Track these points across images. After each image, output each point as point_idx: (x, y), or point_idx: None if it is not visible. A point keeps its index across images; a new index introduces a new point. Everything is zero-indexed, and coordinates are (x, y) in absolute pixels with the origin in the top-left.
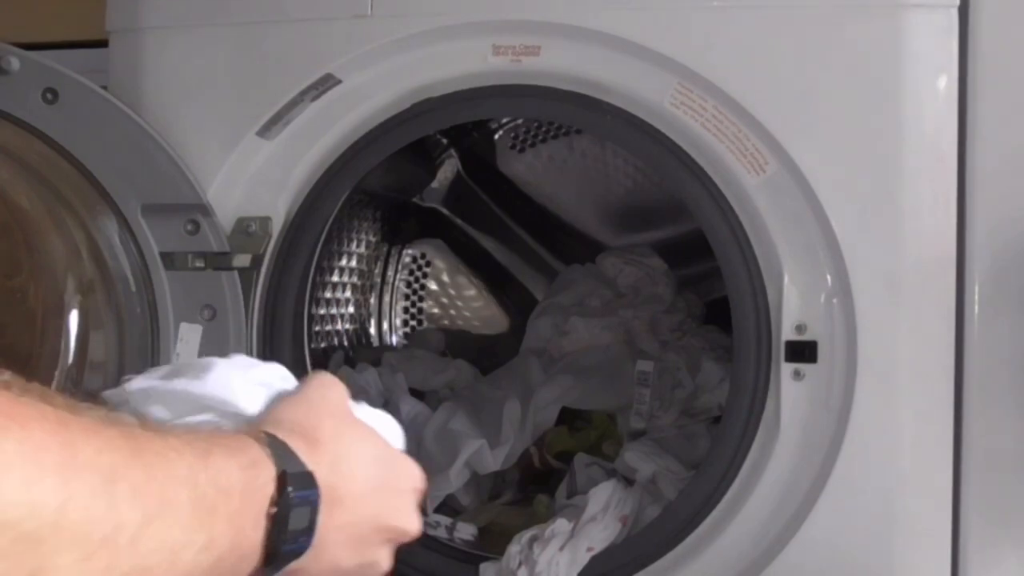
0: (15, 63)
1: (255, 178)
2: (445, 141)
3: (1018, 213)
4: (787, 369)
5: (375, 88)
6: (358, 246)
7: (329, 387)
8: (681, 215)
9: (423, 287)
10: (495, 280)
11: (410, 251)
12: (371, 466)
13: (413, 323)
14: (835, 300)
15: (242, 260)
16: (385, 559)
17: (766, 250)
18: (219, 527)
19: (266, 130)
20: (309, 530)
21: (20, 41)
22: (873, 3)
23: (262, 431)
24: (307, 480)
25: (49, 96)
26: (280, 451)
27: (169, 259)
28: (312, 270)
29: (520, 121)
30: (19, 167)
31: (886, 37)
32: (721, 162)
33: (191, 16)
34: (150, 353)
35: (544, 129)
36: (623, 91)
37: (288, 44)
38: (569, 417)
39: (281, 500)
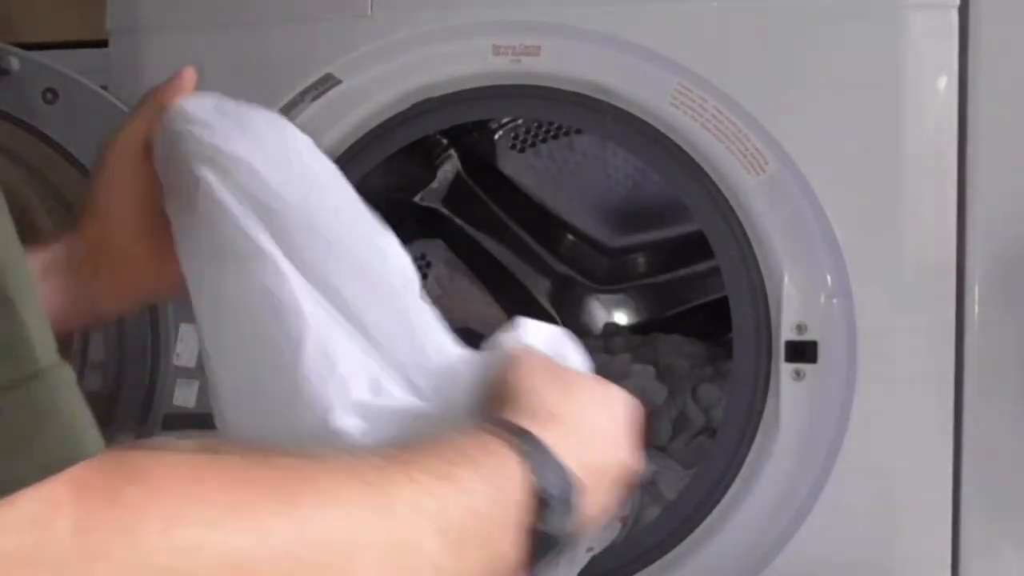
0: (15, 63)
1: None
2: (445, 141)
3: (1018, 213)
4: (787, 369)
5: (375, 88)
6: None
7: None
8: (681, 215)
9: (423, 287)
10: (495, 280)
11: (410, 251)
12: (601, 419)
13: None
14: (835, 300)
15: None
16: (615, 501)
17: (766, 250)
18: (471, 556)
19: None
20: (567, 530)
21: (20, 41)
22: (873, 3)
23: (502, 426)
24: (563, 480)
25: (49, 96)
26: (532, 452)
27: None
28: None
29: (520, 121)
30: (19, 167)
31: (886, 37)
32: (721, 162)
33: (191, 16)
34: (150, 353)
35: (544, 129)
36: (623, 91)
37: (288, 44)
38: None
39: (541, 515)
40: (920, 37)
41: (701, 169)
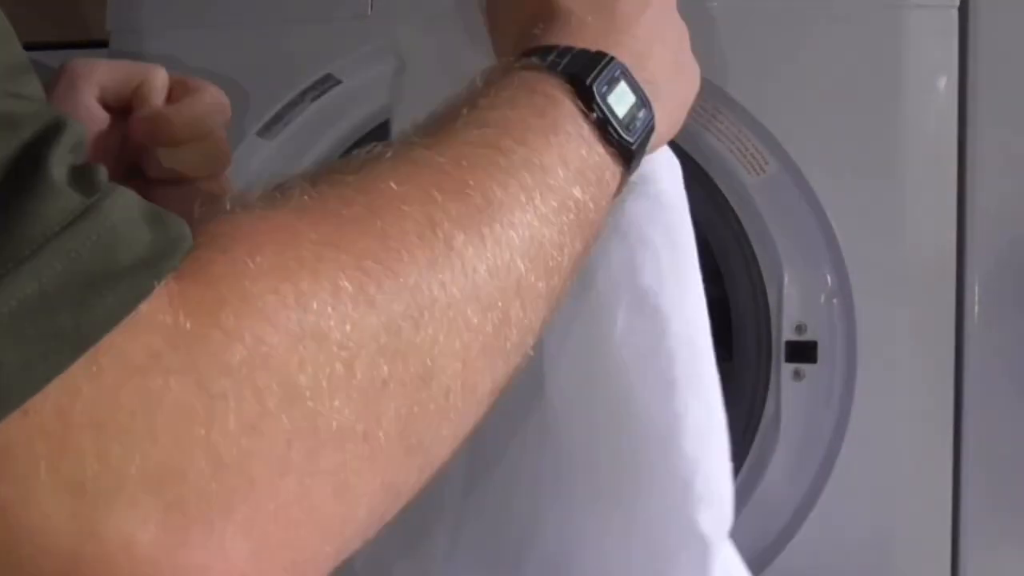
0: None
1: (255, 178)
2: None
3: (1018, 213)
4: (787, 369)
5: (375, 88)
6: None
7: None
8: None
9: None
10: None
11: None
12: (665, 20)
13: None
14: (835, 300)
15: None
16: (695, 69)
17: (766, 250)
18: (558, 166)
19: (266, 130)
20: (640, 98)
21: (20, 41)
22: (873, 3)
23: (553, 57)
24: (600, 60)
25: None
26: (557, 58)
27: None
28: None
29: None
30: None
31: (886, 37)
32: (721, 162)
33: (191, 16)
34: None
35: None
36: None
37: (288, 44)
38: None
39: (594, 103)
40: (920, 37)
41: (701, 169)
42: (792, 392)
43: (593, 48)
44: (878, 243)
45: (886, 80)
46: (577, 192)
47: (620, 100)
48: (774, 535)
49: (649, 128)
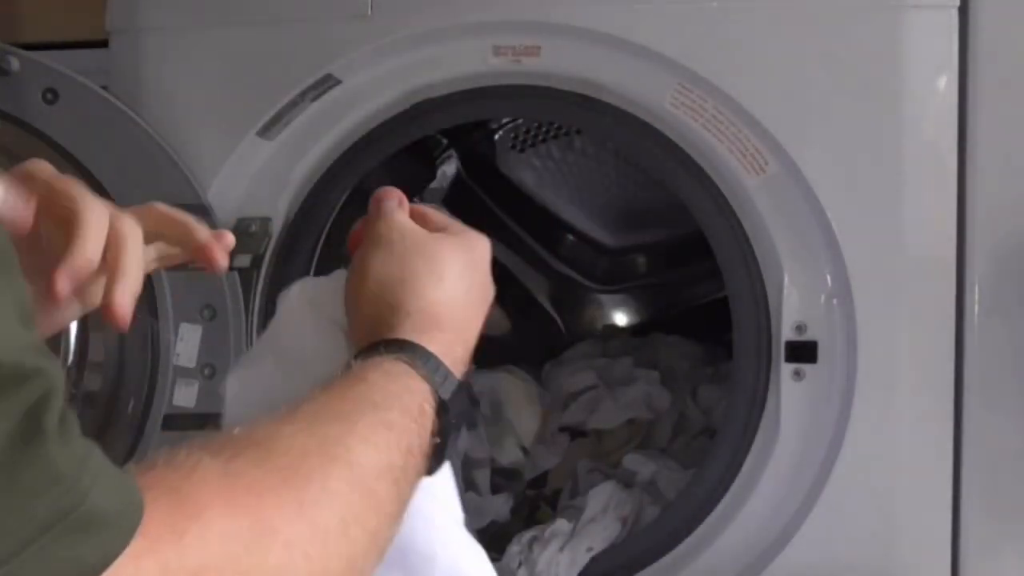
0: (15, 63)
1: (255, 178)
2: (445, 141)
3: (1018, 213)
4: (787, 369)
5: (375, 88)
6: None
7: (395, 218)
8: (681, 215)
9: None
10: (495, 280)
11: None
12: (473, 293)
13: None
14: (835, 300)
15: (242, 260)
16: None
17: (766, 250)
18: (406, 487)
19: (266, 130)
20: (463, 413)
21: (20, 41)
22: (873, 3)
23: (398, 348)
24: (453, 382)
25: (49, 96)
26: (431, 371)
27: None
28: (312, 270)
29: (520, 121)
30: None
31: (886, 37)
32: (721, 162)
33: (191, 16)
34: (150, 353)
35: (544, 129)
36: (623, 91)
37: (288, 44)
38: None
39: (443, 425)
40: (920, 37)
41: (701, 169)
42: (792, 392)
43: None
44: (878, 243)
45: (886, 80)
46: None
47: (450, 390)
48: (774, 535)
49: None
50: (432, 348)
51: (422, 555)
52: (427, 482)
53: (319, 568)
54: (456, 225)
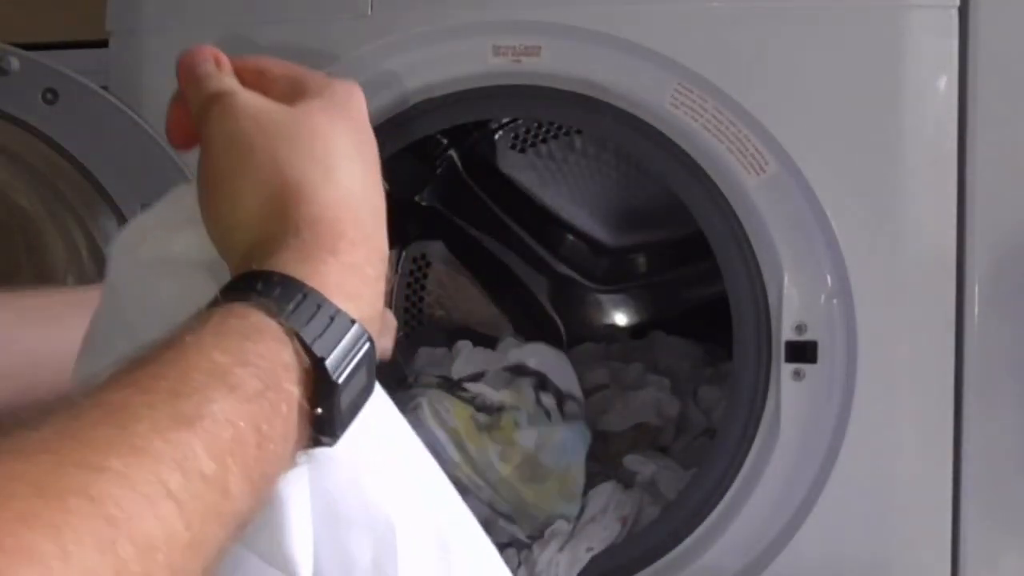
0: (15, 63)
1: None
2: (445, 141)
3: (1018, 213)
4: (787, 369)
5: (375, 88)
6: None
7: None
8: (681, 215)
9: (423, 287)
10: (495, 280)
11: (410, 251)
12: (368, 177)
13: (413, 323)
14: (835, 300)
15: None
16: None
17: (766, 250)
18: (234, 475)
19: None
20: (369, 384)
21: (20, 41)
22: (873, 3)
23: (266, 276)
24: (353, 340)
25: (49, 96)
26: (299, 318)
27: None
28: None
29: (520, 121)
30: (19, 167)
31: (886, 37)
32: (721, 162)
33: (191, 16)
34: None
35: (544, 129)
36: (623, 91)
37: (288, 44)
38: None
39: (323, 397)
40: (920, 37)
41: (701, 169)
42: (792, 392)
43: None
44: (878, 243)
45: (886, 80)
46: (245, 506)
47: (352, 391)
48: (774, 535)
49: (359, 410)
50: (333, 274)
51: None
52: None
53: None
54: (309, 76)
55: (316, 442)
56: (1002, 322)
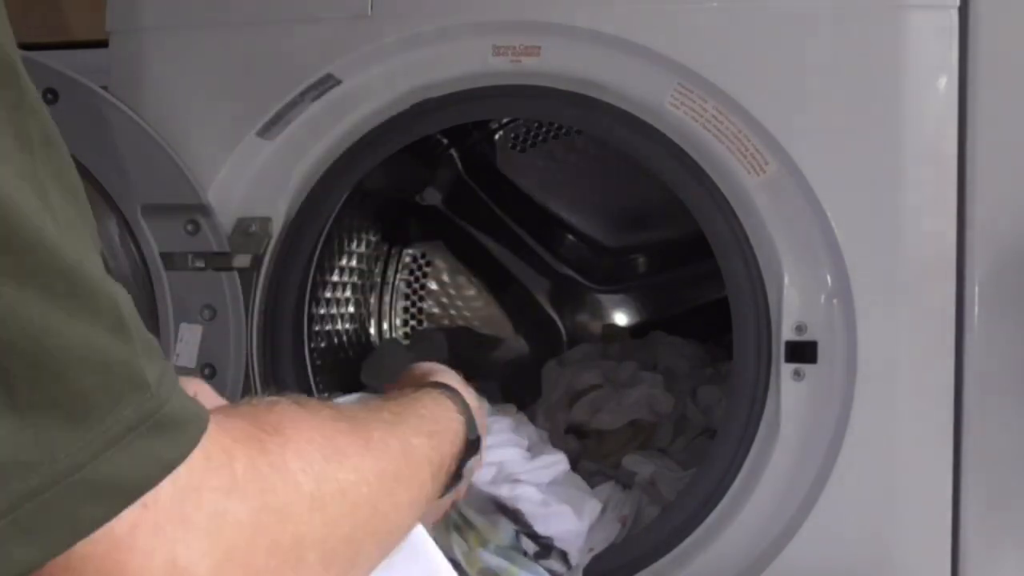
0: None
1: (255, 178)
2: (445, 141)
3: (1018, 213)
4: (787, 369)
5: (375, 88)
6: (358, 246)
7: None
8: (681, 215)
9: (423, 287)
10: (495, 280)
11: (410, 251)
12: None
13: (413, 323)
14: (835, 300)
15: (242, 260)
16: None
17: (766, 250)
18: (439, 481)
19: (266, 130)
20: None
21: (20, 41)
22: (873, 3)
23: (449, 389)
24: (475, 429)
25: (49, 96)
26: (465, 411)
27: (169, 259)
28: (312, 270)
29: (520, 121)
30: None
31: (886, 37)
32: (721, 162)
33: (191, 16)
34: None
35: (544, 129)
36: (623, 91)
37: (288, 44)
38: None
39: (465, 457)
40: (920, 37)
41: (701, 169)
42: (792, 392)
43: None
44: (878, 243)
45: (886, 80)
46: (431, 489)
47: (474, 433)
48: (774, 534)
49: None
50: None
51: None
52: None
53: (371, 501)
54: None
55: (444, 489)
56: (1002, 322)
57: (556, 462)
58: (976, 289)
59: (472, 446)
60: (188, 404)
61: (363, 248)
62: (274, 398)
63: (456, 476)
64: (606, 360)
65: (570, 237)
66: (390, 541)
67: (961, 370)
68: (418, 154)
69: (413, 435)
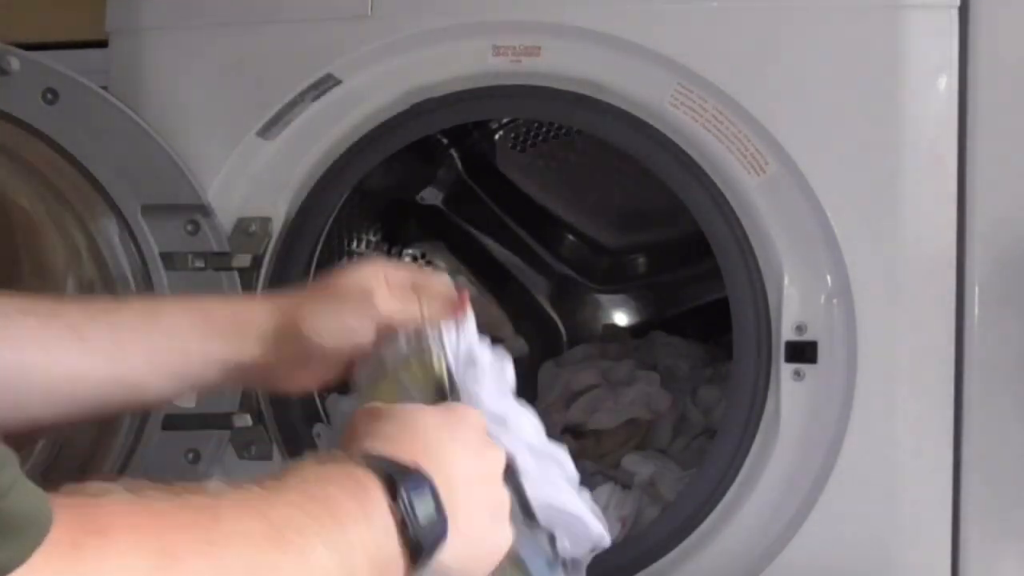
0: (15, 63)
1: (255, 178)
2: (445, 141)
3: (1018, 213)
4: (787, 369)
5: (375, 88)
6: (358, 246)
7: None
8: (681, 215)
9: None
10: (495, 280)
11: (410, 251)
12: (466, 462)
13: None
14: (835, 300)
15: (242, 260)
16: (506, 535)
17: (766, 250)
18: (357, 559)
19: (266, 130)
20: (439, 512)
21: (20, 41)
22: (873, 3)
23: (359, 455)
24: (415, 474)
25: (49, 96)
26: (380, 461)
27: (169, 259)
28: (312, 270)
29: (520, 121)
30: (19, 167)
31: (886, 37)
32: (721, 162)
33: (191, 16)
34: None
35: (544, 129)
36: (623, 91)
37: (288, 44)
38: None
39: (399, 500)
40: (920, 37)
41: (701, 169)
42: (792, 392)
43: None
44: (878, 243)
45: (886, 80)
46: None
47: (422, 504)
48: (774, 535)
49: (440, 538)
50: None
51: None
52: None
53: None
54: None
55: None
56: (1003, 322)
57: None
58: (976, 289)
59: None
60: (31, 499)
61: (363, 248)
62: (107, 485)
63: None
64: (604, 360)
65: (570, 237)
66: None
67: (961, 370)
68: (418, 154)
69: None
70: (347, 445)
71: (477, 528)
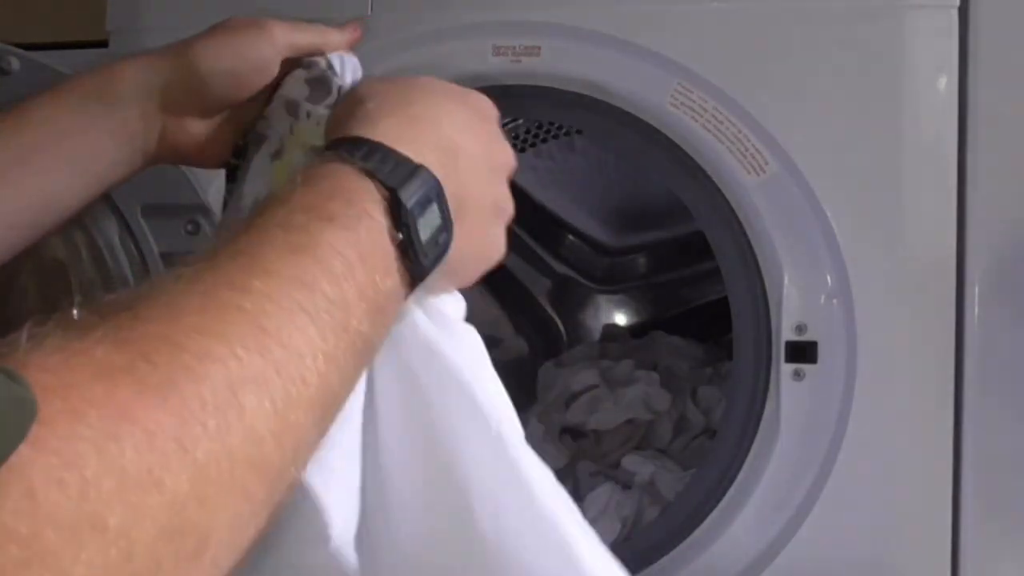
0: (15, 63)
1: None
2: None
3: (1018, 213)
4: (787, 369)
5: None
6: None
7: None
8: (681, 215)
9: None
10: (495, 280)
11: None
12: (473, 139)
13: None
14: (835, 300)
15: None
16: (503, 239)
17: (766, 250)
18: (351, 295)
19: None
20: (446, 223)
21: (20, 41)
22: (873, 3)
23: (344, 140)
24: (419, 177)
25: None
26: (377, 160)
27: (169, 259)
28: None
29: (520, 121)
30: None
31: (886, 37)
32: (721, 162)
33: (191, 16)
34: None
35: (544, 129)
36: (623, 91)
37: None
38: None
39: (401, 221)
40: (920, 37)
41: (701, 169)
42: (792, 392)
43: (401, 148)
44: (878, 243)
45: (886, 80)
46: (366, 327)
47: (427, 223)
48: (774, 535)
49: (444, 252)
50: (392, 129)
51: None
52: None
53: (214, 445)
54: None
55: (411, 278)
56: (1003, 321)
57: None
58: (976, 289)
59: (400, 204)
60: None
61: None
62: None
63: (411, 252)
64: (604, 360)
65: (570, 237)
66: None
67: (961, 370)
68: None
69: (303, 331)
70: (342, 123)
71: (480, 227)
